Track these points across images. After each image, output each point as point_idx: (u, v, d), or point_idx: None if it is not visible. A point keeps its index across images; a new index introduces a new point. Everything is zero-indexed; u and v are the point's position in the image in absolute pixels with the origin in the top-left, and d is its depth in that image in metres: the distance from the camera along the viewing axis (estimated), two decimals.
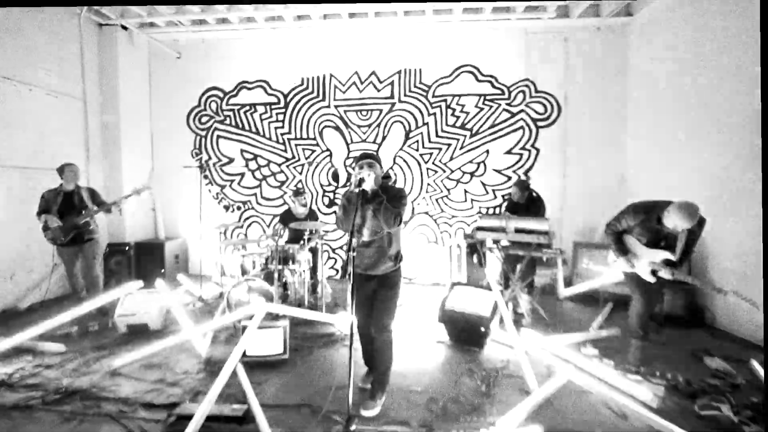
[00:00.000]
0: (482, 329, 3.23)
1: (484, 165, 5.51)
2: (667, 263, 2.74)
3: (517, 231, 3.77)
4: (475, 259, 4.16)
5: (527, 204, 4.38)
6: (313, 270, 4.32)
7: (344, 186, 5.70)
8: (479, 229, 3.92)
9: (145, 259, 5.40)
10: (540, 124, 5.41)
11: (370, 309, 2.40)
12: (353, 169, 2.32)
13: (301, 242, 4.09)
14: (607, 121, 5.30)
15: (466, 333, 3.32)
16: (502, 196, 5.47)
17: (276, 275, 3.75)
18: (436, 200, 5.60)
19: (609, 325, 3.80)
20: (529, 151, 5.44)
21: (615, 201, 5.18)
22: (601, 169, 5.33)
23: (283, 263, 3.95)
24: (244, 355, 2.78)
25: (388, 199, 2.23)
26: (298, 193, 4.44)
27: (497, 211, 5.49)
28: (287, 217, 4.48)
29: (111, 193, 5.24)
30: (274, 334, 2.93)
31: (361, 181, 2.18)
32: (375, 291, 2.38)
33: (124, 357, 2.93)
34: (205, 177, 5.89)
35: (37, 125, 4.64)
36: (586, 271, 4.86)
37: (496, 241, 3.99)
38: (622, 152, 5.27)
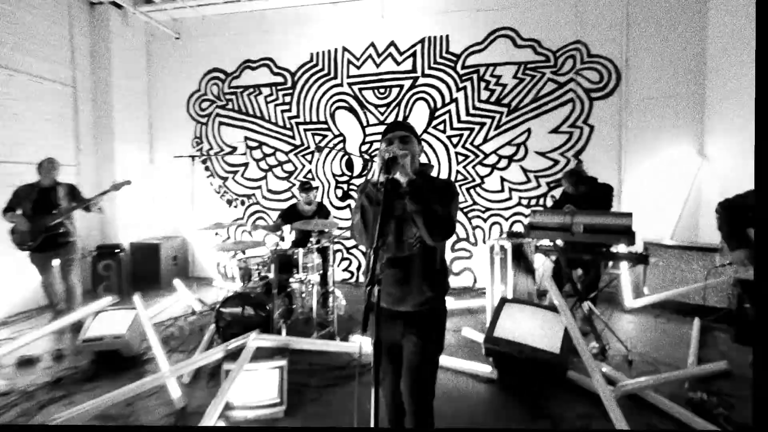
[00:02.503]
0: (553, 370, 2.39)
1: (525, 147, 4.62)
2: None
3: (587, 230, 2.86)
4: (521, 262, 3.28)
5: (587, 196, 3.43)
6: (323, 277, 3.60)
7: (360, 176, 4.96)
8: (533, 228, 3.04)
9: (140, 263, 4.88)
10: (594, 95, 4.45)
11: (398, 367, 1.50)
12: (379, 149, 1.45)
13: (308, 245, 3.37)
14: (680, 90, 4.28)
15: (528, 373, 2.48)
16: (547, 183, 4.56)
17: (275, 285, 3.07)
18: (467, 190, 4.76)
19: (708, 353, 2.86)
20: (581, 128, 4.49)
21: (690, 188, 4.17)
22: (672, 147, 4.31)
23: (286, 271, 3.25)
24: (228, 407, 2.09)
25: (432, 195, 1.37)
26: (305, 187, 3.73)
27: (542, 202, 4.59)
28: (291, 214, 3.79)
29: (104, 187, 4.76)
30: (267, 378, 2.22)
31: (390, 163, 1.29)
32: (404, 337, 1.47)
33: (78, 405, 2.21)
34: (206, 169, 5.31)
35: (20, 114, 4.18)
36: (658, 276, 3.90)
37: (553, 243, 3.10)
38: (699, 126, 4.24)
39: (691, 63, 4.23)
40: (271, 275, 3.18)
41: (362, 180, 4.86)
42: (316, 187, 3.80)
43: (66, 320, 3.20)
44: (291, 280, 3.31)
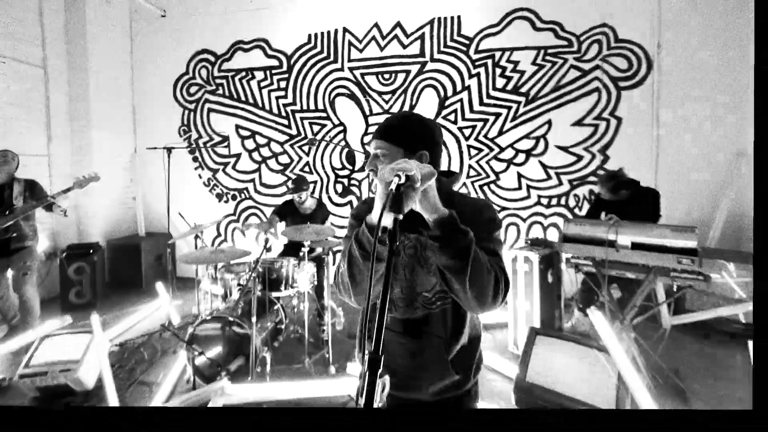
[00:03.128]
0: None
1: (545, 141, 4.19)
2: None
3: (637, 247, 2.39)
4: (550, 277, 2.84)
5: (629, 203, 2.93)
6: (318, 288, 3.18)
7: (362, 170, 4.52)
8: (567, 240, 2.59)
9: (119, 264, 4.44)
10: (622, 84, 4.02)
11: None
12: (377, 169, 0.96)
13: (301, 255, 2.93)
14: (720, 78, 3.85)
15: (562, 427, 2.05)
16: (569, 181, 4.14)
17: (255, 312, 2.60)
18: (480, 187, 4.34)
19: None
20: (607, 121, 4.07)
21: (730, 189, 3.76)
22: (709, 143, 3.89)
23: (273, 285, 2.80)
24: None
25: (465, 229, 0.86)
26: (295, 188, 3.25)
27: (564, 201, 4.17)
28: (288, 211, 3.37)
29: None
30: None
31: (400, 196, 0.75)
32: None
33: None
34: (194, 159, 4.87)
35: None
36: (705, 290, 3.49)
37: (591, 258, 2.63)
38: (743, 120, 3.82)
39: (731, 49, 3.80)
40: (256, 292, 2.74)
41: (363, 174, 4.42)
42: (309, 185, 3.33)
43: (19, 341, 2.78)
44: (279, 295, 2.85)
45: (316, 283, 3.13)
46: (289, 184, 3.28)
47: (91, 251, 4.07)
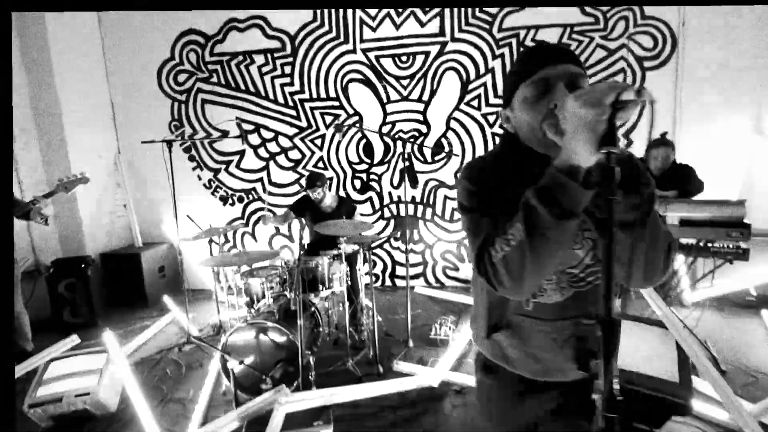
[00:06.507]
0: (671, 402, 1.98)
1: None
2: None
3: (685, 223, 2.43)
4: None
5: (668, 180, 2.98)
6: (352, 288, 3.04)
7: (382, 163, 4.24)
8: None
9: (116, 278, 3.99)
10: (647, 64, 3.94)
11: None
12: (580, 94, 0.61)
13: (336, 252, 2.82)
14: (747, 58, 3.85)
15: (640, 409, 2.07)
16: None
17: (298, 306, 2.45)
18: None
19: None
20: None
21: (748, 169, 3.86)
22: (729, 124, 3.94)
23: (310, 287, 2.67)
24: None
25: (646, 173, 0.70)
26: (310, 182, 3.00)
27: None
28: (305, 207, 3.15)
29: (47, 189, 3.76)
30: None
31: (613, 127, 0.57)
32: (556, 418, 0.90)
33: None
34: (191, 159, 4.36)
35: None
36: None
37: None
38: (760, 99, 3.87)
39: (754, 26, 3.78)
40: (290, 293, 2.60)
41: (385, 167, 4.16)
42: (325, 181, 3.08)
43: (22, 366, 2.44)
44: (315, 297, 2.74)
45: (349, 282, 3.00)
46: (302, 181, 3.04)
47: (83, 265, 3.60)
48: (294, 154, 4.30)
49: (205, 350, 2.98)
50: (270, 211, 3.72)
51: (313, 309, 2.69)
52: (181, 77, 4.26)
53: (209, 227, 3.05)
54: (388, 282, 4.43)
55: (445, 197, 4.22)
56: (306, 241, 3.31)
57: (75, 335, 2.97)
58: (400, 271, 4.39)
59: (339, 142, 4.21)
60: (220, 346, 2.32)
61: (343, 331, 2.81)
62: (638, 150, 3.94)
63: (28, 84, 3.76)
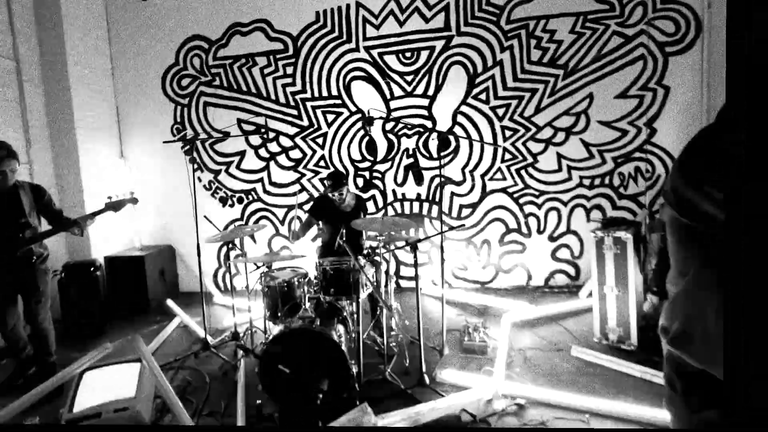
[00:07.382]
0: None
1: (586, 116, 3.81)
2: None
3: None
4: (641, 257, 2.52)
5: None
6: (378, 291, 2.78)
7: (385, 160, 4.06)
8: (652, 230, 2.26)
9: (120, 282, 3.89)
10: (669, 49, 3.66)
11: None
12: None
13: (365, 253, 2.69)
14: None
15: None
16: (614, 159, 3.78)
17: (325, 311, 2.37)
18: (517, 171, 3.95)
19: None
20: (654, 91, 3.71)
21: None
22: None
23: (343, 290, 2.43)
24: None
25: None
26: (336, 182, 2.83)
27: (608, 181, 3.81)
28: (324, 208, 2.96)
29: (67, 191, 3.80)
30: None
31: None
32: None
33: None
34: (192, 161, 4.31)
35: None
36: None
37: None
38: None
39: None
40: (323, 296, 2.44)
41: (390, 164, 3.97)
42: (347, 179, 2.94)
43: (44, 388, 2.27)
44: (344, 302, 2.50)
45: (375, 283, 2.73)
46: (326, 182, 2.86)
47: (92, 269, 3.50)
48: (295, 154, 4.18)
49: (223, 357, 2.78)
50: (300, 207, 3.62)
51: (344, 314, 2.47)
52: (185, 81, 4.27)
53: (233, 227, 2.94)
54: (424, 285, 4.17)
55: (452, 194, 3.98)
56: (318, 243, 3.18)
57: (109, 344, 2.80)
58: (404, 271, 4.13)
59: (340, 140, 4.07)
60: (259, 353, 2.15)
61: (371, 338, 2.76)
62: (660, 137, 3.63)
63: (44, 93, 3.81)
